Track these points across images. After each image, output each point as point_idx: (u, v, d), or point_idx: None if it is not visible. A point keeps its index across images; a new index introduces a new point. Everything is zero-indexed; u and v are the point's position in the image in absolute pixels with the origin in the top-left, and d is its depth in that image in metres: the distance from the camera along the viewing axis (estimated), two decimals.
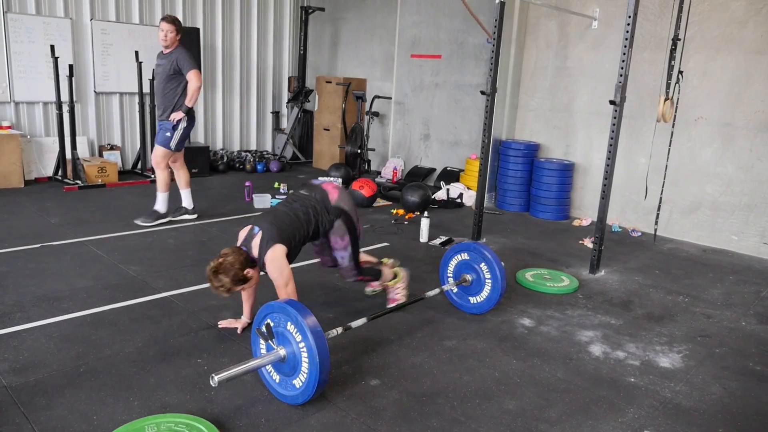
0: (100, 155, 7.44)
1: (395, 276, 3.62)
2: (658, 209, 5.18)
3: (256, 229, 2.96)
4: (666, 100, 4.86)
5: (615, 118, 4.28)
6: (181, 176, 5.50)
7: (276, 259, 2.86)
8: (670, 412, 2.68)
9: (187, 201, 5.55)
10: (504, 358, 3.10)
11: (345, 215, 3.17)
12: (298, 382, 2.49)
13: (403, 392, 2.70)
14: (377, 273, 3.48)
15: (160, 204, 5.35)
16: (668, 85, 4.89)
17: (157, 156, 5.22)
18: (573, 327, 3.57)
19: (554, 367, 3.03)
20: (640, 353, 3.27)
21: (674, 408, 2.72)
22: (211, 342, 3.11)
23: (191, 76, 5.02)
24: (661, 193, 5.18)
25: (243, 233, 3.05)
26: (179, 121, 5.11)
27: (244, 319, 3.24)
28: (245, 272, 2.83)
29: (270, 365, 2.59)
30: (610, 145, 4.34)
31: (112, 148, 7.58)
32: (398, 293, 3.61)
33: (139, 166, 7.55)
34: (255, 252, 2.91)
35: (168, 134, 5.15)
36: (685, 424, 2.60)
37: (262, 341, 2.64)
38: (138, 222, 5.25)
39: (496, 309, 3.69)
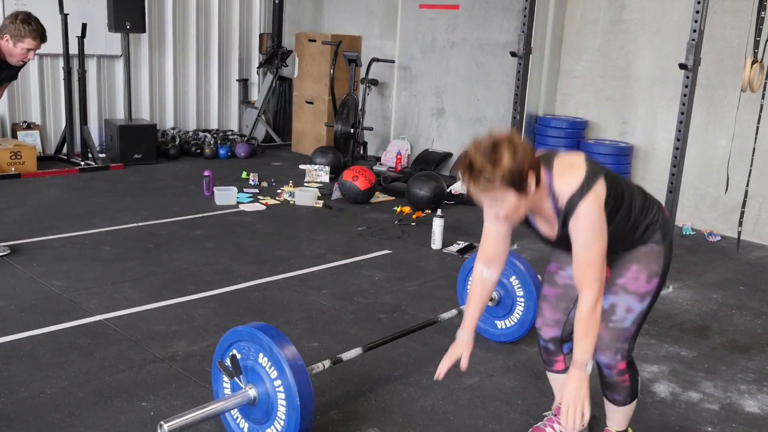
0: (14, 136, 7.45)
1: None
2: (743, 206, 5.18)
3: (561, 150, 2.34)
4: (754, 63, 4.85)
5: (686, 87, 4.27)
6: None
7: (599, 212, 2.20)
8: None
9: None
10: (541, 401, 3.10)
11: (667, 241, 2.49)
12: None
13: None
14: (638, 387, 2.60)
15: None
16: (757, 44, 4.88)
17: None
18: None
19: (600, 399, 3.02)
20: (720, 394, 3.26)
21: None
22: (159, 380, 3.11)
23: None
24: (747, 186, 5.18)
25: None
26: None
27: (464, 335, 2.56)
28: (529, 174, 2.11)
29: (236, 409, 2.59)
30: (680, 123, 4.34)
31: (29, 127, 7.58)
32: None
33: (65, 150, 7.55)
34: (559, 183, 2.22)
35: None
36: None
37: (225, 378, 2.64)
38: None
39: (530, 336, 3.68)
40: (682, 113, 4.33)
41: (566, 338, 2.61)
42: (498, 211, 2.20)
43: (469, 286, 2.73)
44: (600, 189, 2.19)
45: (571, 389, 2.23)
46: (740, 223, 5.22)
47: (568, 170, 2.22)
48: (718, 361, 3.62)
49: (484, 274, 2.50)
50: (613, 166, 6.33)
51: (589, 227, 2.19)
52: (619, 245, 2.38)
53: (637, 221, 2.36)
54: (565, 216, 2.22)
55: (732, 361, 3.62)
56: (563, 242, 2.30)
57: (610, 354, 2.43)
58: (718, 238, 5.96)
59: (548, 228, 2.35)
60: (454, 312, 3.53)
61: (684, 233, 6.05)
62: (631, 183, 2.43)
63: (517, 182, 2.09)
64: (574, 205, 2.18)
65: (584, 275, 2.23)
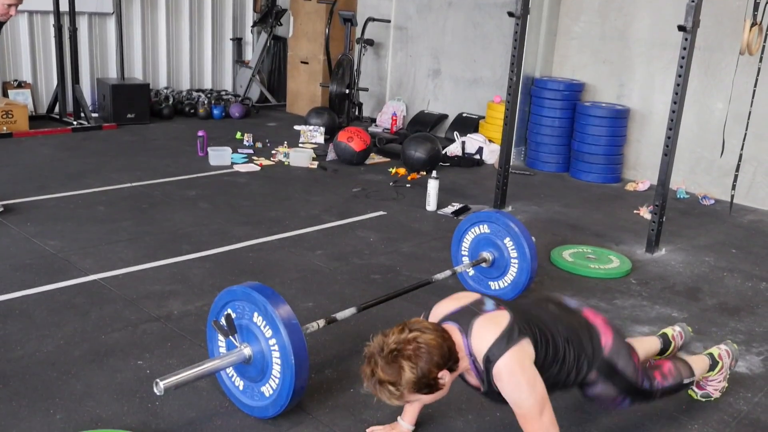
0: (5, 95, 7.38)
1: (713, 362, 2.84)
2: (737, 170, 5.19)
3: (489, 304, 2.24)
4: (753, 25, 4.82)
5: (685, 49, 4.25)
6: None
7: (522, 368, 2.09)
8: (746, 430, 2.73)
9: None
10: None
11: (617, 378, 2.42)
12: (267, 390, 2.52)
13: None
14: (680, 384, 2.66)
15: None
16: (756, 6, 4.84)
17: None
18: (623, 321, 3.61)
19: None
20: None
21: (751, 424, 2.77)
22: (154, 339, 3.13)
23: None
24: (742, 149, 5.19)
25: (448, 304, 2.29)
26: None
27: (405, 425, 2.55)
28: (438, 375, 2.06)
29: (231, 368, 2.62)
30: (678, 85, 4.32)
31: (21, 85, 7.50)
32: (714, 386, 2.88)
33: (57, 109, 7.49)
34: (475, 342, 2.14)
35: None
36: None
37: (221, 337, 2.66)
38: None
39: (523, 297, 3.72)
40: (680, 76, 4.30)
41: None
42: (415, 406, 2.35)
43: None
44: (523, 349, 2.10)
45: None
46: (734, 187, 5.24)
47: (487, 329, 2.13)
48: (709, 322, 3.66)
49: None
50: (609, 129, 6.38)
51: (514, 387, 2.10)
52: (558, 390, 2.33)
53: (563, 377, 2.29)
54: (487, 376, 2.13)
55: (722, 323, 3.66)
56: (495, 397, 2.22)
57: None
58: (712, 201, 5.98)
59: (474, 382, 2.26)
60: (448, 273, 3.55)
61: (678, 196, 6.07)
62: (558, 342, 2.28)
63: (426, 388, 2.05)
64: (491, 363, 2.09)
65: (526, 430, 2.16)
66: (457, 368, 2.13)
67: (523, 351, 2.10)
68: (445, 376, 2.07)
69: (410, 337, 2.03)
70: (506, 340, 2.10)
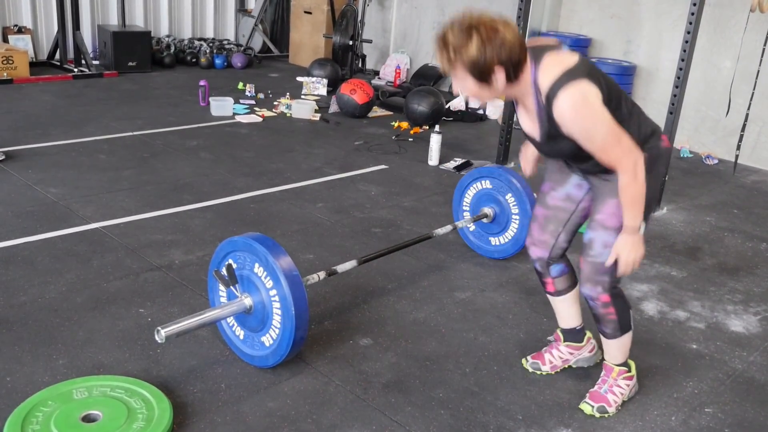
0: (5, 41, 7.29)
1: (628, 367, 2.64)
2: (742, 130, 5.15)
3: (566, 47, 2.20)
4: None
5: (695, 5, 4.17)
6: None
7: (586, 100, 2.06)
8: (740, 388, 2.76)
9: None
10: (532, 316, 3.17)
11: (658, 173, 2.35)
12: (267, 340, 2.54)
13: (402, 355, 2.76)
14: (628, 320, 2.53)
15: None
16: None
17: None
18: (622, 279, 3.62)
19: (595, 328, 3.08)
20: (707, 314, 3.33)
21: (745, 383, 2.80)
22: (156, 287, 3.15)
23: None
24: (748, 109, 5.14)
25: (529, 43, 2.21)
26: None
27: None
28: (496, 69, 2.03)
29: (232, 317, 2.64)
30: (686, 42, 4.26)
31: (21, 31, 7.41)
32: (615, 393, 2.58)
33: (57, 56, 7.41)
34: (542, 74, 2.10)
35: None
36: (758, 402, 2.68)
37: (221, 287, 2.68)
38: None
39: (523, 253, 3.70)
40: (689, 32, 4.23)
41: (554, 260, 2.61)
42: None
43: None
44: (586, 86, 2.06)
45: (624, 252, 2.26)
46: (738, 147, 5.20)
47: (555, 64, 2.10)
48: (707, 281, 3.67)
49: None
50: None
51: (580, 118, 2.08)
52: (581, 155, 2.23)
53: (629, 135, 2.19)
54: (548, 110, 2.11)
55: (721, 282, 3.68)
56: (550, 144, 2.23)
57: (590, 286, 2.41)
58: (716, 161, 5.95)
59: (531, 124, 2.26)
60: (449, 228, 3.55)
61: (682, 155, 6.03)
62: (634, 103, 2.30)
63: (478, 73, 2.04)
64: (554, 93, 2.06)
65: (609, 160, 2.15)
66: (517, 81, 2.10)
67: (589, 86, 2.07)
68: (501, 76, 2.05)
69: (494, 25, 2.02)
70: (571, 75, 2.07)
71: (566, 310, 2.71)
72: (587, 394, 2.58)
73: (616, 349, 2.56)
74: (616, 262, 2.34)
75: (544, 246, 2.60)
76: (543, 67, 2.10)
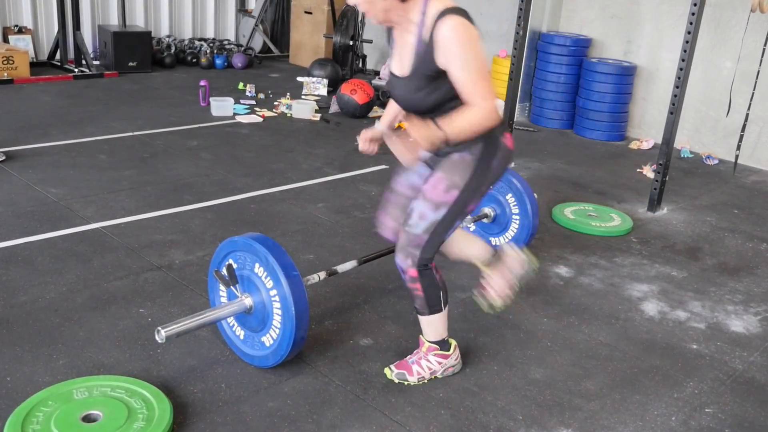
0: (5, 41, 7.29)
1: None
2: (743, 130, 5.15)
3: None
4: None
5: (695, 5, 4.17)
6: None
7: (469, 32, 2.22)
8: (740, 388, 2.76)
9: None
10: (532, 316, 3.17)
11: (489, 164, 2.42)
12: (268, 340, 2.54)
13: (402, 355, 2.76)
14: (437, 300, 2.55)
15: None
16: None
17: None
18: (622, 279, 3.62)
19: (595, 329, 3.10)
20: (707, 314, 3.33)
21: (746, 383, 2.80)
22: (156, 287, 3.15)
23: None
24: (749, 109, 5.14)
25: None
26: None
27: (380, 127, 2.71)
28: None
29: (232, 317, 2.64)
30: (687, 42, 4.26)
31: (21, 31, 7.40)
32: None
33: (58, 56, 7.41)
34: (431, 6, 2.24)
35: None
36: (758, 402, 2.68)
37: (222, 287, 2.68)
38: None
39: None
40: (689, 32, 4.23)
41: None
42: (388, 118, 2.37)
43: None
44: (470, 24, 2.22)
45: (421, 131, 2.24)
46: (738, 147, 5.20)
47: (446, 3, 2.24)
48: (708, 282, 3.67)
49: None
50: (615, 87, 6.33)
51: (462, 43, 2.19)
52: (436, 111, 2.33)
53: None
54: (429, 40, 2.21)
55: (721, 283, 3.67)
56: (413, 83, 2.31)
57: (402, 257, 2.45)
58: (716, 161, 5.95)
59: (401, 63, 2.35)
60: None
61: (682, 156, 6.03)
62: None
63: None
64: (441, 18, 2.18)
65: (473, 92, 2.24)
66: (405, 4, 2.23)
67: (473, 26, 2.23)
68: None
69: None
70: (460, 12, 2.22)
71: None
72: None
73: (426, 325, 2.60)
74: (429, 239, 2.41)
75: (392, 232, 2.68)
76: (433, 2, 2.24)
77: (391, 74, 2.45)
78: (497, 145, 2.41)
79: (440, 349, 2.60)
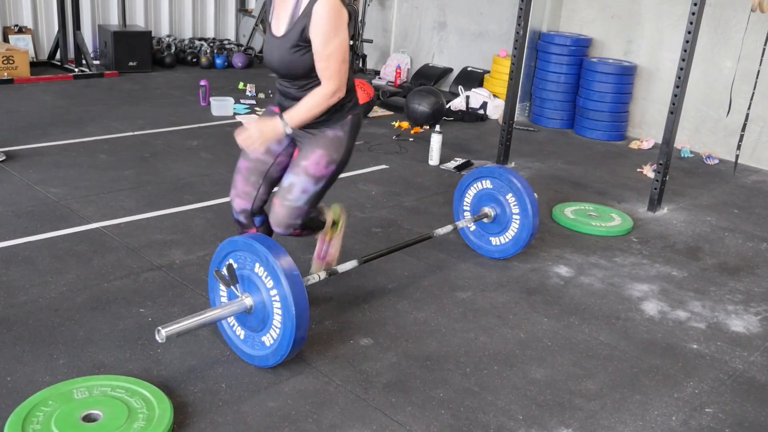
0: (5, 40, 7.29)
1: (335, 224, 3.17)
2: (743, 130, 5.15)
3: None
4: None
5: (695, 4, 4.17)
6: None
7: (340, 14, 2.51)
8: (741, 388, 2.76)
9: None
10: (532, 316, 3.17)
11: (355, 136, 2.81)
12: (268, 340, 2.54)
13: (402, 355, 2.76)
14: (320, 223, 3.04)
15: None
16: None
17: None
18: (623, 279, 3.63)
19: (596, 328, 3.10)
20: (708, 314, 3.33)
21: (746, 383, 2.80)
22: (156, 287, 3.15)
23: None
24: (749, 109, 5.14)
25: None
26: None
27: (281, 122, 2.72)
28: None
29: (233, 317, 2.64)
30: (687, 42, 4.26)
31: (21, 31, 7.41)
32: (333, 249, 3.16)
33: (58, 56, 7.41)
34: None
35: None
36: (759, 402, 2.68)
37: (222, 287, 2.68)
38: None
39: (524, 253, 3.73)
40: (689, 32, 4.23)
41: (256, 211, 2.86)
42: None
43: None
44: (344, 8, 2.50)
45: (264, 126, 2.57)
46: (739, 147, 5.20)
47: None
48: (708, 281, 3.67)
49: None
50: (615, 86, 6.33)
51: (329, 21, 2.46)
52: (308, 77, 2.60)
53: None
54: (306, 9, 2.47)
55: (721, 282, 3.68)
56: (285, 42, 2.55)
57: (283, 229, 2.75)
58: (716, 161, 5.95)
59: (279, 23, 2.59)
60: (449, 228, 3.55)
61: (682, 155, 6.03)
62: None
63: None
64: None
65: (325, 68, 2.52)
66: None
67: (345, 11, 2.51)
68: None
69: None
70: None
71: None
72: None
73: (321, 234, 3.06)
74: (309, 209, 2.76)
75: (248, 197, 2.83)
76: None
77: (268, 35, 2.68)
78: (360, 122, 2.81)
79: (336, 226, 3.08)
